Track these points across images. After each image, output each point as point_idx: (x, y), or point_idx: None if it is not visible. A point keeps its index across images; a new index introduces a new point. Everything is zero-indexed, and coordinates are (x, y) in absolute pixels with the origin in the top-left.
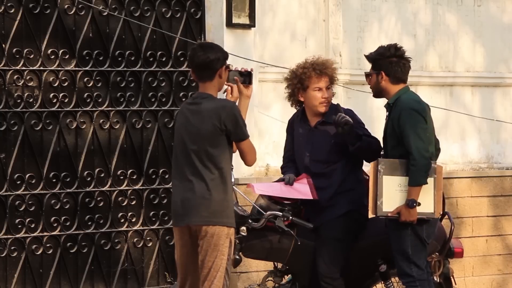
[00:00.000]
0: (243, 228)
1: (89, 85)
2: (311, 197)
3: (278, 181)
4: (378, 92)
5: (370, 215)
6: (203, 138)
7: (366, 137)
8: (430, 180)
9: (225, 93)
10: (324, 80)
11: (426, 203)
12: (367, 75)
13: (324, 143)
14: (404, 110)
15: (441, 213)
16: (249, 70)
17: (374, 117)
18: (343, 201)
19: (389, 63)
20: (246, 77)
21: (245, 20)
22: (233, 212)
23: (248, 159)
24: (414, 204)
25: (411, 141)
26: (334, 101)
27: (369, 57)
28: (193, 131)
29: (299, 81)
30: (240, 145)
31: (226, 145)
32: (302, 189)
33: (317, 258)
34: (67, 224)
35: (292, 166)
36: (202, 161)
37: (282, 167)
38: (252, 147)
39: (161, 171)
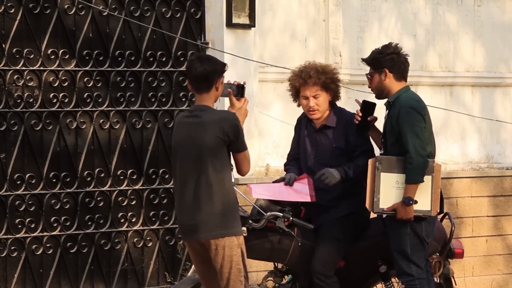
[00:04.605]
0: (244, 228)
1: (89, 85)
2: (309, 200)
3: (278, 180)
4: (380, 92)
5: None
6: (206, 150)
7: (350, 169)
8: (428, 178)
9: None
10: (310, 88)
11: (423, 201)
12: (369, 75)
13: (327, 146)
14: (403, 108)
15: (439, 211)
16: (242, 83)
17: None
18: (345, 203)
19: (391, 60)
20: (239, 90)
21: (245, 20)
22: (240, 220)
23: (244, 169)
24: (411, 202)
25: (408, 139)
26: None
27: (368, 59)
28: (196, 144)
29: (292, 88)
30: (238, 155)
31: (227, 155)
32: (301, 190)
33: (313, 255)
34: (67, 224)
35: (296, 164)
36: (205, 173)
37: (285, 165)
38: (249, 158)
39: (161, 171)
